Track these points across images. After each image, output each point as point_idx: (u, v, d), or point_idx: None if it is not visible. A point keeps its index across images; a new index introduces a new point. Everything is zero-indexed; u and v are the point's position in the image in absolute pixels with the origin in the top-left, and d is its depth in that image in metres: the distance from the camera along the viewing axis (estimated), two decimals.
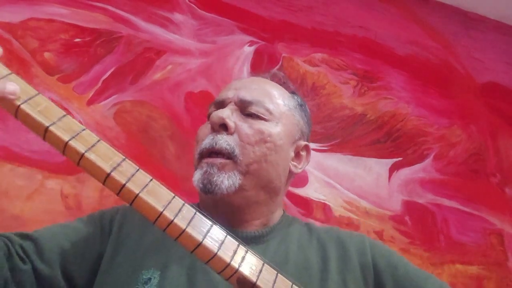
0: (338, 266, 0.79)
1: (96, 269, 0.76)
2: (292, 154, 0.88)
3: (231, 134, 0.80)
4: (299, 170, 0.89)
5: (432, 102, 1.95)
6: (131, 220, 0.82)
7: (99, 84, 1.50)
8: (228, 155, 0.79)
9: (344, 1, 2.03)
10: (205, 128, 0.85)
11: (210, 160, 0.79)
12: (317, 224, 0.92)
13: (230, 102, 0.85)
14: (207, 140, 0.81)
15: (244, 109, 0.84)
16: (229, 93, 0.86)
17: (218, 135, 0.80)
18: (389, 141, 1.81)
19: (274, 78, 0.94)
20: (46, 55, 1.48)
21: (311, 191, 1.61)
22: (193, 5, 1.75)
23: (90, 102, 1.47)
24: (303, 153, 0.91)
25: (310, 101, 1.77)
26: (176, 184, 1.39)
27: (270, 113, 0.84)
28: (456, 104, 1.99)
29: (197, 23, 1.72)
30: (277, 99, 0.87)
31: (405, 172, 1.77)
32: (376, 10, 2.07)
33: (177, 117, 1.55)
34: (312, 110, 1.75)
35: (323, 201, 1.61)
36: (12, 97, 0.54)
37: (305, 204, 1.57)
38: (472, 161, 1.89)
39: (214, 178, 0.77)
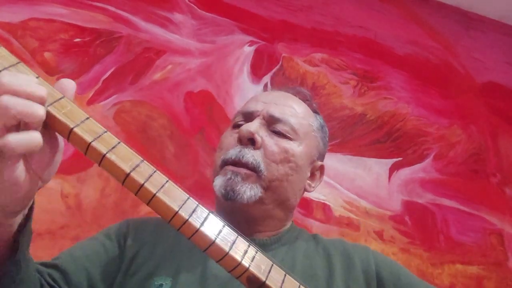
0: (343, 275, 0.82)
1: (116, 283, 0.79)
2: (309, 173, 0.91)
3: (258, 149, 0.83)
4: (313, 190, 0.93)
5: (432, 102, 1.95)
6: (142, 233, 0.85)
7: (99, 84, 1.50)
8: (253, 169, 0.81)
9: (344, 1, 2.03)
10: (230, 136, 0.87)
11: (235, 169, 0.81)
12: (324, 226, 0.93)
13: (259, 115, 0.87)
14: (233, 151, 0.83)
15: (272, 125, 0.86)
16: (258, 106, 0.89)
17: (245, 149, 0.83)
18: (389, 141, 1.81)
19: (299, 95, 0.97)
20: (46, 55, 1.48)
21: None
22: (193, 5, 1.75)
23: (90, 102, 1.47)
24: (317, 173, 0.94)
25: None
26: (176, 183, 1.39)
27: (295, 132, 0.87)
28: (456, 104, 1.99)
29: (197, 23, 1.73)
30: (302, 119, 0.90)
31: (405, 172, 1.77)
32: (376, 10, 2.07)
33: (176, 117, 1.55)
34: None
35: (323, 201, 1.61)
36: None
37: (305, 204, 1.57)
38: (472, 161, 1.89)
39: (238, 187, 0.80)
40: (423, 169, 1.80)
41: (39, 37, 1.49)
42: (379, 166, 1.75)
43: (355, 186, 1.68)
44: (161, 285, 0.74)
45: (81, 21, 1.56)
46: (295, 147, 0.86)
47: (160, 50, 1.62)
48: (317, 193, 1.61)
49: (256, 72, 1.73)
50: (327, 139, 1.00)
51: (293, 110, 0.90)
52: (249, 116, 0.88)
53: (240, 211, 0.82)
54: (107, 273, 0.79)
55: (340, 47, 1.92)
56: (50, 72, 1.46)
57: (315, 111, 0.98)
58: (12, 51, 1.53)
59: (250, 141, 0.83)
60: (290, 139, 0.86)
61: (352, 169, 1.71)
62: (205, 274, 0.76)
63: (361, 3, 2.05)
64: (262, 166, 0.82)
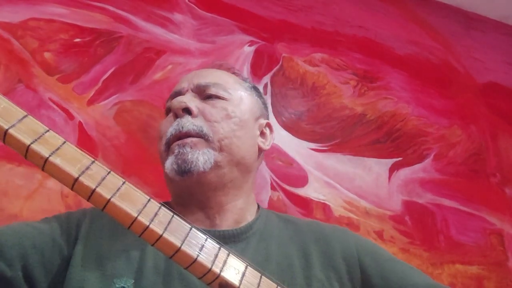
0: (321, 262, 0.77)
1: (60, 273, 0.71)
2: (258, 132, 0.88)
3: (195, 117, 0.80)
4: (267, 147, 0.90)
5: (432, 102, 1.95)
6: (100, 224, 0.77)
7: (99, 84, 1.50)
8: (197, 135, 0.78)
9: (344, 1, 2.03)
10: (166, 121, 0.84)
11: (179, 141, 0.77)
12: (291, 211, 0.91)
13: (187, 90, 0.85)
14: (171, 127, 0.79)
15: (203, 93, 0.84)
16: (183, 84, 0.86)
17: (182, 119, 0.79)
18: (389, 141, 1.81)
19: (222, 67, 0.95)
20: (46, 55, 1.48)
21: (311, 191, 1.60)
22: (193, 5, 1.75)
23: (90, 102, 1.47)
24: (267, 131, 0.92)
25: (310, 101, 1.77)
26: None
27: (228, 92, 0.85)
28: (456, 104, 1.99)
29: (197, 23, 1.72)
30: (230, 78, 0.89)
31: (405, 172, 1.77)
32: (376, 10, 2.07)
33: None
34: (312, 110, 1.76)
35: (323, 201, 1.60)
36: None
37: (305, 204, 1.57)
38: (472, 161, 1.88)
39: (189, 157, 0.76)
40: (423, 169, 1.80)
41: (39, 37, 1.49)
42: (379, 166, 1.75)
43: (355, 186, 1.68)
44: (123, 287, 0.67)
45: (81, 21, 1.56)
46: (233, 104, 0.84)
47: (160, 50, 1.62)
48: (317, 193, 1.61)
49: (256, 72, 1.73)
50: (264, 99, 0.97)
51: (219, 75, 0.88)
52: (177, 95, 0.85)
53: (198, 184, 0.77)
54: (46, 259, 0.70)
55: (340, 47, 1.92)
56: (50, 72, 1.46)
57: (244, 79, 0.95)
58: (12, 51, 1.53)
59: (185, 111, 0.80)
60: (225, 99, 0.84)
61: (352, 169, 1.71)
62: (170, 274, 0.69)
63: (361, 3, 2.05)
64: (206, 128, 0.78)
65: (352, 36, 1.97)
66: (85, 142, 1.39)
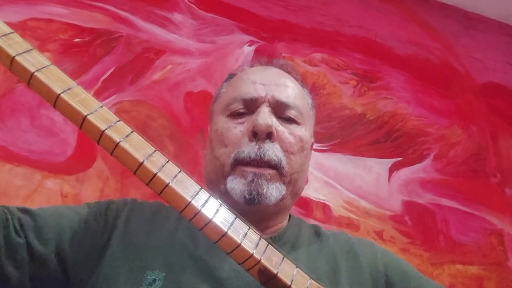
0: (349, 278, 0.76)
1: (92, 258, 0.72)
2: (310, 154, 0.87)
3: (274, 142, 0.76)
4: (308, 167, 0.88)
5: (432, 102, 1.95)
6: (138, 217, 0.78)
7: (99, 84, 1.50)
8: (275, 166, 0.75)
9: (344, 1, 2.03)
10: (235, 129, 0.79)
11: (257, 170, 0.74)
12: (323, 226, 0.90)
13: (264, 102, 0.79)
14: (250, 148, 0.75)
15: (280, 111, 0.80)
16: (259, 90, 0.80)
17: (264, 144, 0.75)
18: (389, 141, 1.81)
19: (284, 68, 0.91)
20: (46, 55, 1.48)
21: (311, 191, 1.60)
22: (193, 5, 1.75)
23: None
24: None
25: None
26: None
27: (302, 116, 0.82)
28: (456, 104, 1.99)
29: (196, 23, 1.72)
30: (303, 99, 0.86)
31: (405, 172, 1.77)
32: (376, 10, 2.07)
33: (176, 116, 1.54)
34: None
35: (323, 201, 1.60)
36: None
37: (305, 204, 1.57)
38: (472, 161, 1.88)
39: (264, 191, 0.73)
40: (423, 169, 1.80)
41: (39, 37, 1.49)
42: (379, 166, 1.74)
43: (355, 186, 1.68)
44: (154, 280, 0.68)
45: (81, 21, 1.56)
46: (305, 133, 0.81)
47: (160, 50, 1.62)
48: (317, 193, 1.61)
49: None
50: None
51: (294, 91, 0.84)
52: (251, 103, 0.80)
53: (259, 211, 0.76)
54: (80, 242, 0.72)
55: (340, 47, 1.92)
56: None
57: (302, 84, 0.92)
58: None
59: (267, 135, 0.75)
60: (299, 124, 0.81)
61: (352, 169, 1.71)
62: (200, 270, 0.70)
63: (361, 3, 2.05)
64: (284, 162, 0.76)
65: (352, 36, 1.97)
66: (84, 142, 1.38)
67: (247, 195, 0.73)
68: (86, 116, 0.56)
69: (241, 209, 0.73)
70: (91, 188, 1.35)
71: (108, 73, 1.52)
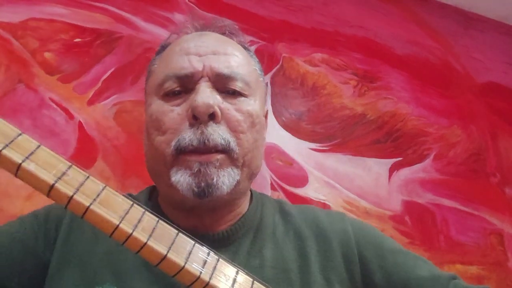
0: (320, 263, 0.70)
1: (39, 280, 0.65)
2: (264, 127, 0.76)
3: (219, 122, 0.65)
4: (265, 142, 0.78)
5: (432, 102, 1.95)
6: (81, 224, 0.68)
7: (99, 84, 1.50)
8: (223, 150, 0.64)
9: (344, 1, 2.03)
10: (172, 112, 0.67)
11: (203, 158, 0.63)
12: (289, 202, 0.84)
13: (202, 77, 0.67)
14: (191, 134, 0.64)
15: (223, 85, 0.68)
16: (195, 63, 0.68)
17: (207, 128, 0.64)
18: (389, 141, 1.81)
19: (222, 29, 0.77)
20: (47, 55, 1.48)
21: (311, 191, 1.61)
22: (193, 5, 1.75)
23: (91, 102, 1.47)
24: (263, 120, 0.77)
25: (310, 101, 1.77)
26: None
27: (249, 86, 0.70)
28: (456, 104, 1.99)
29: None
30: (248, 66, 0.73)
31: (405, 172, 1.77)
32: (376, 10, 2.07)
33: None
34: (312, 110, 1.76)
35: (323, 201, 1.61)
36: None
37: (305, 204, 1.57)
38: (472, 161, 1.89)
39: (214, 180, 0.63)
40: (423, 169, 1.80)
41: (39, 37, 1.49)
42: (379, 166, 1.75)
43: (355, 186, 1.68)
44: None
45: (81, 21, 1.56)
46: (254, 106, 0.70)
47: None
48: (317, 193, 1.61)
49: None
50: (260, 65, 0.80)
51: (237, 59, 0.71)
52: (187, 80, 0.67)
53: (211, 202, 0.66)
54: (21, 267, 0.65)
55: (340, 47, 1.92)
56: (50, 72, 1.46)
57: (246, 47, 0.78)
58: (12, 51, 1.53)
59: (209, 117, 0.64)
60: (246, 96, 0.69)
61: (352, 169, 1.71)
62: (158, 280, 0.63)
63: (361, 3, 2.05)
64: (233, 143, 0.65)
65: (352, 36, 1.97)
66: (85, 142, 1.39)
67: (195, 188, 0.63)
68: None
69: (192, 204, 0.67)
70: None
71: (109, 73, 1.53)
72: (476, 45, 2.16)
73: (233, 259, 0.58)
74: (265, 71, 1.75)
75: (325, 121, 1.75)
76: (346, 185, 1.67)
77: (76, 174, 0.49)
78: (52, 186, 0.47)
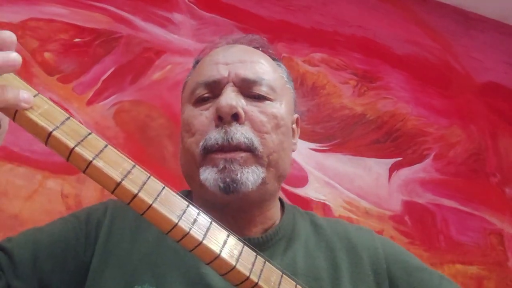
0: (350, 274, 0.73)
1: (79, 279, 0.68)
2: (291, 134, 0.80)
3: (243, 123, 0.70)
4: (296, 148, 0.82)
5: (432, 102, 1.95)
6: (121, 223, 0.73)
7: (99, 84, 1.50)
8: (247, 149, 0.69)
9: (343, 1, 2.03)
10: (200, 116, 0.73)
11: (227, 155, 0.68)
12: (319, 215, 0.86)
13: (228, 82, 0.73)
14: (216, 134, 0.69)
15: (248, 90, 0.73)
16: (222, 71, 0.74)
17: (231, 128, 0.68)
18: (389, 141, 1.81)
19: (255, 43, 0.84)
20: (46, 55, 1.48)
21: (311, 191, 1.60)
22: (193, 5, 1.75)
23: (90, 102, 1.47)
24: (295, 127, 0.83)
25: (310, 101, 1.77)
26: (175, 183, 1.39)
27: (274, 91, 0.75)
28: (456, 104, 1.99)
29: (196, 23, 1.72)
30: (274, 73, 0.78)
31: (405, 172, 1.77)
32: (375, 10, 2.07)
33: (176, 116, 1.54)
34: (312, 110, 1.76)
35: (323, 201, 1.60)
36: (25, 105, 0.48)
37: (305, 204, 1.57)
38: (472, 161, 1.89)
39: (238, 176, 0.67)
40: (423, 169, 1.80)
41: (39, 37, 1.49)
42: (379, 166, 1.75)
43: (355, 186, 1.68)
44: None
45: (81, 21, 1.56)
46: (280, 109, 0.74)
47: (160, 50, 1.62)
48: (317, 193, 1.61)
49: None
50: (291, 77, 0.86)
51: (262, 66, 0.77)
52: (215, 86, 0.73)
53: (241, 200, 0.70)
54: (62, 266, 0.68)
55: (339, 47, 1.92)
56: (50, 72, 1.46)
57: (274, 58, 0.84)
58: None
59: (233, 118, 0.69)
60: (271, 100, 0.74)
61: (352, 169, 1.71)
62: (196, 283, 0.66)
63: (360, 3, 2.05)
64: (256, 142, 0.69)
65: (351, 36, 1.97)
66: None
67: (221, 184, 0.67)
68: (51, 132, 0.49)
69: (221, 200, 0.70)
70: (92, 188, 1.35)
71: (108, 73, 1.52)
72: (476, 45, 2.16)
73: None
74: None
75: (325, 121, 1.75)
76: (346, 185, 1.67)
77: (139, 173, 0.52)
78: (118, 184, 0.50)
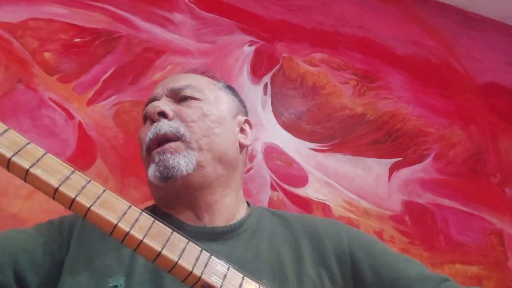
0: (313, 260, 0.77)
1: (53, 277, 0.72)
2: (237, 128, 0.88)
3: (172, 119, 0.79)
4: (249, 142, 0.89)
5: (432, 102, 1.95)
6: (92, 227, 0.76)
7: (99, 84, 1.50)
8: (175, 138, 0.78)
9: (344, 1, 2.03)
10: (145, 128, 0.83)
11: (159, 149, 0.77)
12: (291, 211, 0.89)
13: (161, 96, 0.84)
14: (148, 132, 0.79)
15: (177, 96, 0.83)
16: (158, 90, 0.86)
17: (159, 123, 0.79)
18: (389, 141, 1.81)
19: (198, 72, 0.95)
20: (46, 55, 1.48)
21: (311, 191, 1.60)
22: (193, 5, 1.75)
23: (90, 102, 1.47)
24: (246, 127, 0.91)
25: (310, 101, 1.77)
26: None
27: (201, 92, 0.84)
28: (456, 104, 1.99)
29: (196, 23, 1.72)
30: (202, 79, 0.89)
31: (405, 172, 1.77)
32: (376, 10, 2.07)
33: None
34: (312, 110, 1.76)
35: (323, 201, 1.60)
36: None
37: (305, 204, 1.57)
38: (472, 161, 1.88)
39: (170, 162, 0.75)
40: (423, 169, 1.80)
41: (39, 37, 1.49)
42: (379, 166, 1.75)
43: (355, 186, 1.68)
44: (116, 286, 0.68)
45: (81, 21, 1.56)
46: (208, 102, 0.83)
47: (160, 50, 1.62)
48: (317, 193, 1.61)
49: (256, 72, 1.73)
50: (241, 97, 0.95)
51: (189, 76, 0.89)
52: (153, 102, 0.85)
53: (183, 187, 0.77)
54: (37, 262, 0.71)
55: (340, 47, 1.92)
56: (50, 72, 1.46)
57: (215, 78, 0.94)
58: (12, 51, 1.53)
59: (161, 115, 0.80)
60: (198, 99, 0.83)
61: (352, 169, 1.71)
62: (160, 271, 0.68)
63: (361, 3, 2.05)
64: (182, 129, 0.78)
65: (352, 36, 1.97)
66: (85, 142, 1.39)
67: (157, 174, 0.76)
68: None
69: (165, 191, 0.78)
70: None
71: (108, 73, 1.53)
72: (477, 45, 2.16)
73: (230, 253, 0.64)
74: (265, 71, 1.75)
75: (325, 121, 1.75)
76: (346, 185, 1.67)
77: (78, 179, 0.55)
78: (56, 189, 0.53)
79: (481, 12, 2.21)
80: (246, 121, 0.92)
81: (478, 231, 1.75)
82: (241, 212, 0.83)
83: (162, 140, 0.78)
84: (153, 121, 0.80)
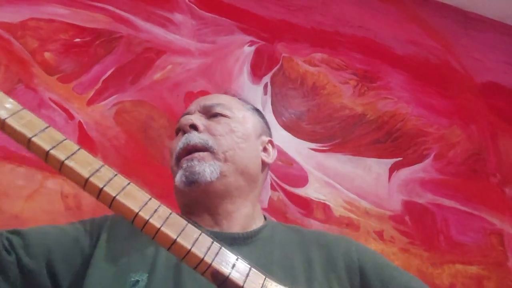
0: (323, 267, 0.81)
1: (82, 272, 0.77)
2: (260, 147, 0.95)
3: (201, 132, 0.87)
4: (271, 161, 0.96)
5: (432, 102, 1.95)
6: (119, 227, 0.83)
7: (99, 84, 1.50)
8: (204, 148, 0.85)
9: (344, 1, 2.03)
10: (177, 140, 0.91)
11: (188, 156, 0.85)
12: (324, 226, 0.94)
13: (194, 112, 0.93)
14: (180, 142, 0.87)
15: (209, 112, 0.91)
16: (192, 107, 0.95)
17: (189, 134, 0.87)
18: (389, 141, 1.81)
19: (229, 94, 1.03)
20: (46, 55, 1.48)
21: (311, 191, 1.61)
22: (193, 5, 1.75)
23: (90, 102, 1.47)
24: (269, 147, 0.98)
25: (310, 101, 1.77)
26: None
27: (231, 110, 0.92)
28: (456, 104, 1.99)
29: (196, 23, 1.72)
30: (233, 100, 0.98)
31: (405, 172, 1.77)
32: (376, 10, 2.07)
33: (176, 117, 1.53)
34: (312, 110, 1.76)
35: (323, 201, 1.61)
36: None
37: (305, 204, 1.57)
38: (472, 161, 1.89)
39: (196, 169, 0.83)
40: (423, 169, 1.80)
41: (39, 37, 1.49)
42: (379, 166, 1.75)
43: (355, 186, 1.68)
44: (137, 281, 0.73)
45: (81, 21, 1.56)
46: (236, 120, 0.91)
47: (160, 50, 1.62)
48: (317, 193, 1.61)
49: (256, 72, 1.73)
50: (266, 120, 1.03)
51: (221, 96, 0.98)
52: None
53: (205, 192, 0.84)
54: (69, 257, 0.78)
55: (340, 47, 1.92)
56: (50, 72, 1.46)
57: (246, 102, 1.02)
58: (12, 51, 1.52)
59: (192, 128, 0.88)
60: (228, 117, 0.91)
61: (352, 169, 1.71)
62: (180, 269, 0.75)
63: (361, 3, 2.05)
64: (211, 142, 0.86)
65: (352, 36, 1.97)
66: (85, 142, 1.39)
67: (184, 179, 0.83)
68: (30, 138, 0.59)
69: (188, 195, 0.86)
70: None
71: (109, 73, 1.53)
72: (476, 45, 2.16)
73: (244, 257, 0.67)
74: (265, 71, 1.75)
75: (325, 121, 1.75)
76: (346, 185, 1.67)
77: (107, 172, 0.61)
78: (87, 180, 0.59)
79: (480, 12, 2.21)
80: (270, 142, 0.99)
81: (478, 231, 1.75)
82: (258, 223, 0.89)
83: (191, 150, 0.86)
84: (184, 133, 0.88)
